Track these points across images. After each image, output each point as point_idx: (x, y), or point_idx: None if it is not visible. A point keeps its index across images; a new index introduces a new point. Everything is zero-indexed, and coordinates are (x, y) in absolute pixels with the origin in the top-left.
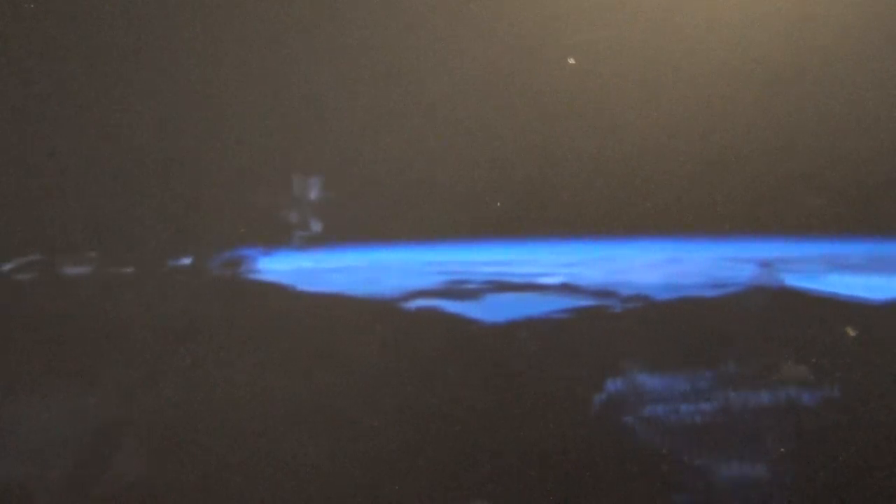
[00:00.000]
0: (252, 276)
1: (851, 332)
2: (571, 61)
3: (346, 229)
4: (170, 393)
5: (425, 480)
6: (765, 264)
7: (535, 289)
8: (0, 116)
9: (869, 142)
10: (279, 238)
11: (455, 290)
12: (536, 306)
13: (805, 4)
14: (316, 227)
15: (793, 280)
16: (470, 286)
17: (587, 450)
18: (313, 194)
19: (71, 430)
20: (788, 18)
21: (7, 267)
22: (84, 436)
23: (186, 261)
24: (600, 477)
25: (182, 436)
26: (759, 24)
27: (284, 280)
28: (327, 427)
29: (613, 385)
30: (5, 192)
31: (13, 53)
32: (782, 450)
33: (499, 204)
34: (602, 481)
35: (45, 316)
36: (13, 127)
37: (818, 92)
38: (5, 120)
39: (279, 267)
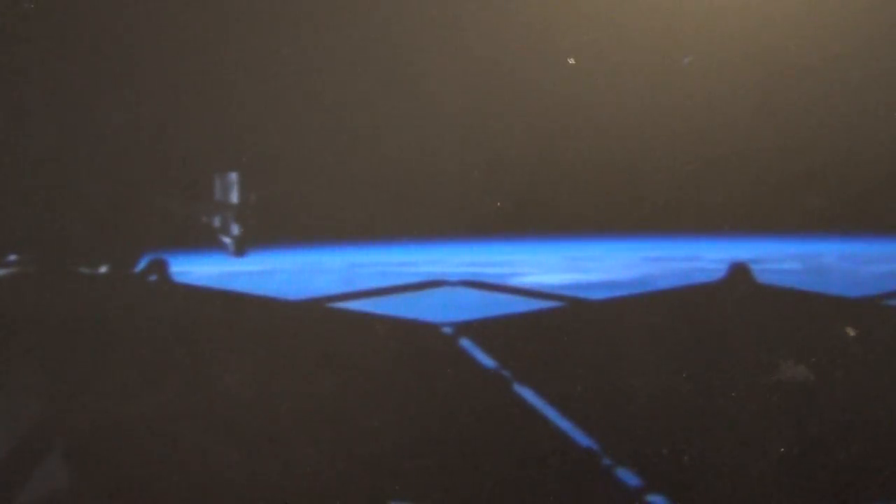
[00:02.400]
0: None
1: (851, 332)
2: (571, 61)
3: (343, 229)
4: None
5: (425, 480)
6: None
7: (532, 290)
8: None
9: (869, 142)
10: (265, 238)
11: (443, 289)
12: (535, 305)
13: (805, 4)
14: (310, 226)
15: (791, 280)
16: (462, 285)
17: (586, 450)
18: (309, 193)
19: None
20: (788, 18)
21: None
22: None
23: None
24: (599, 477)
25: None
26: (760, 24)
27: (266, 283)
28: (326, 428)
29: (614, 384)
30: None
31: (13, 53)
32: (782, 450)
33: (499, 204)
34: (601, 481)
35: None
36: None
37: (818, 92)
38: (5, 120)
39: (257, 268)
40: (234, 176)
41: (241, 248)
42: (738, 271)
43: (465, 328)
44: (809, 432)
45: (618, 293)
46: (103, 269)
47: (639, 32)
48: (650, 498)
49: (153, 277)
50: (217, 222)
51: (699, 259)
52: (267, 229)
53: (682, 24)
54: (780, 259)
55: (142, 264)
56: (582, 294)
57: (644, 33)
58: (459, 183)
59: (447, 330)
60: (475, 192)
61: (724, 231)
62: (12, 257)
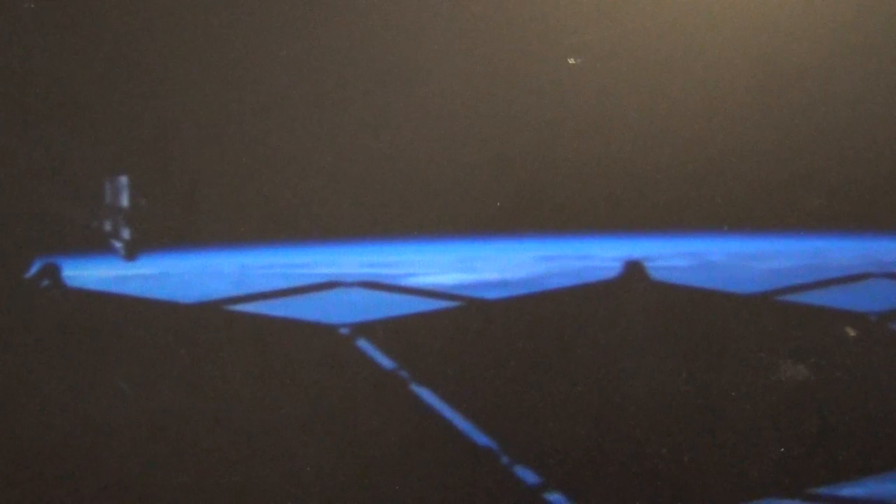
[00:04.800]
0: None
1: (851, 332)
2: (571, 61)
3: (235, 231)
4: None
5: (323, 482)
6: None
7: (428, 290)
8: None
9: (869, 142)
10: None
11: (339, 291)
12: (432, 305)
13: (805, 4)
14: (202, 229)
15: (683, 277)
16: (358, 286)
17: (485, 449)
18: (200, 195)
19: None
20: (789, 18)
21: None
22: None
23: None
24: (498, 476)
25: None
26: (759, 24)
27: (159, 287)
28: (224, 432)
29: (511, 382)
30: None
31: (13, 53)
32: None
33: (498, 204)
34: (500, 480)
35: None
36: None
37: (818, 92)
38: (5, 120)
39: (150, 272)
40: (124, 179)
41: (131, 252)
42: (633, 269)
43: (362, 329)
44: (706, 429)
45: (512, 292)
46: None
47: (639, 32)
48: (549, 496)
49: (45, 282)
50: (107, 226)
51: (591, 258)
52: (158, 232)
53: (684, 25)
54: (668, 256)
55: (33, 269)
56: (476, 293)
57: (645, 33)
58: (350, 184)
59: (344, 331)
60: (367, 192)
61: (725, 230)
62: None
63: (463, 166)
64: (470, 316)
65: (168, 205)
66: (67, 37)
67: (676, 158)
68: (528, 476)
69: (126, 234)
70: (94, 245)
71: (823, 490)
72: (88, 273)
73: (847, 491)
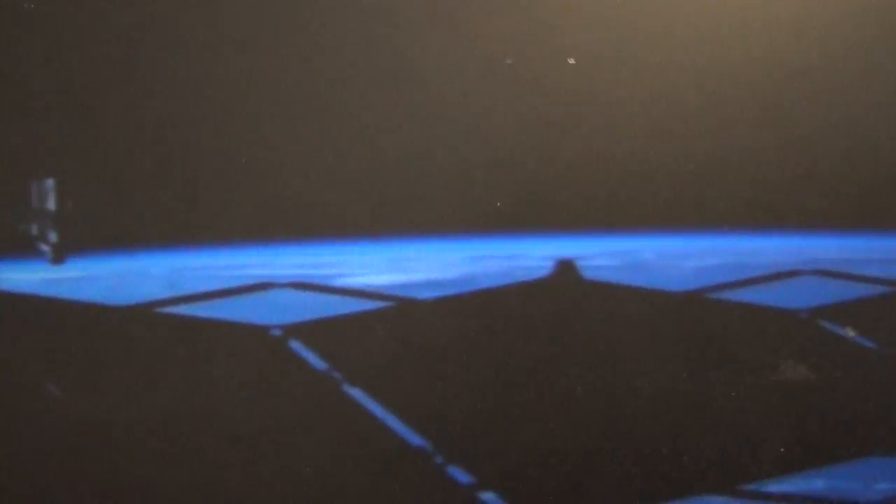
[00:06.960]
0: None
1: (851, 332)
2: (571, 61)
3: (165, 232)
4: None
5: (257, 482)
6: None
7: (360, 290)
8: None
9: (869, 142)
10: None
11: (271, 292)
12: (364, 306)
13: (805, 5)
14: (131, 231)
15: (613, 276)
16: (290, 287)
17: (417, 449)
18: (130, 196)
19: None
20: (788, 18)
21: None
22: None
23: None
24: (429, 476)
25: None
26: (760, 24)
27: (89, 289)
28: (158, 435)
29: (443, 382)
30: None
31: (13, 53)
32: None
33: (498, 204)
34: (431, 480)
35: None
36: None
37: (818, 92)
38: (5, 120)
39: (79, 274)
40: (50, 182)
41: (59, 256)
42: (564, 268)
43: (295, 330)
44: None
45: (443, 292)
46: None
47: (639, 32)
48: (482, 496)
49: None
50: (34, 230)
51: (521, 257)
52: (86, 235)
53: (684, 25)
54: (595, 255)
55: None
56: (407, 294)
57: (645, 33)
58: (281, 186)
59: (276, 332)
60: (298, 194)
61: (725, 230)
62: None
63: (457, 167)
64: (402, 316)
65: (97, 207)
66: (67, 37)
67: (675, 159)
68: (462, 476)
69: (53, 237)
70: (22, 248)
71: (751, 487)
72: (16, 276)
73: (775, 488)
